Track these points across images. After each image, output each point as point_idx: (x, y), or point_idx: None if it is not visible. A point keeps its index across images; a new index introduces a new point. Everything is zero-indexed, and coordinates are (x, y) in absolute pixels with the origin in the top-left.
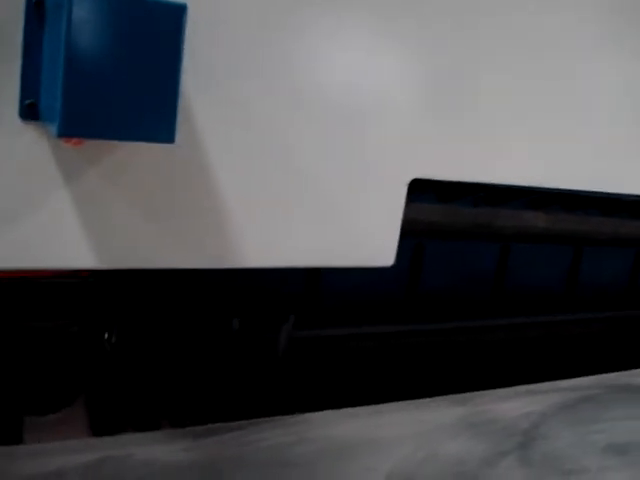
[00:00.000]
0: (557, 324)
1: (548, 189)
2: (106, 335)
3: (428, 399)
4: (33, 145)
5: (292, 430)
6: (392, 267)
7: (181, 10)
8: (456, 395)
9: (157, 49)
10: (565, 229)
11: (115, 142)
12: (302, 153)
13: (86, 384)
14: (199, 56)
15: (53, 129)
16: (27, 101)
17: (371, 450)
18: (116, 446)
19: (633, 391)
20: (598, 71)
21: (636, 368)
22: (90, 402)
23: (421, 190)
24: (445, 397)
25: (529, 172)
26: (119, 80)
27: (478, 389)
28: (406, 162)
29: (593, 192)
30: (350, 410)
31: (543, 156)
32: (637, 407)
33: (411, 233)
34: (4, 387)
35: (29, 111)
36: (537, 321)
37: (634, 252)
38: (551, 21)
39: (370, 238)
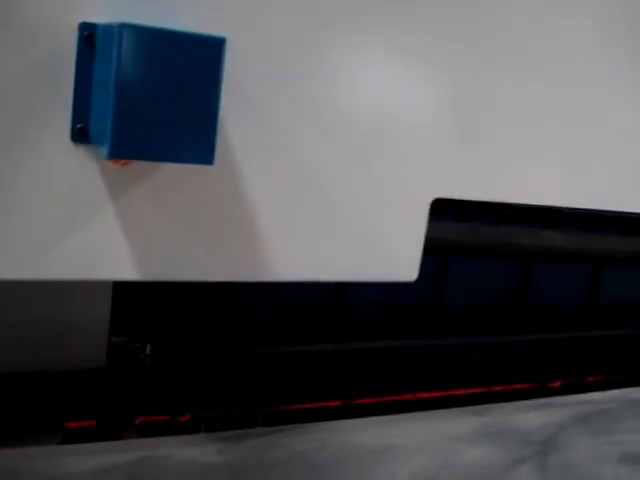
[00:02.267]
0: (576, 340)
1: (566, 208)
2: None
3: (446, 410)
4: (82, 165)
5: (317, 437)
6: (416, 283)
7: (221, 43)
8: (474, 406)
9: (198, 79)
10: (583, 248)
11: (159, 163)
12: (332, 174)
13: None
14: (237, 85)
15: (103, 151)
16: (78, 125)
17: (392, 456)
18: (154, 447)
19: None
20: (613, 92)
21: None
22: None
23: (443, 209)
24: (463, 408)
25: (546, 192)
26: (163, 107)
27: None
28: (428, 182)
29: (610, 211)
30: (372, 419)
31: (562, 176)
32: None
33: (434, 251)
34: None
35: (80, 134)
36: (556, 337)
37: None
38: (564, 43)
39: (394, 254)
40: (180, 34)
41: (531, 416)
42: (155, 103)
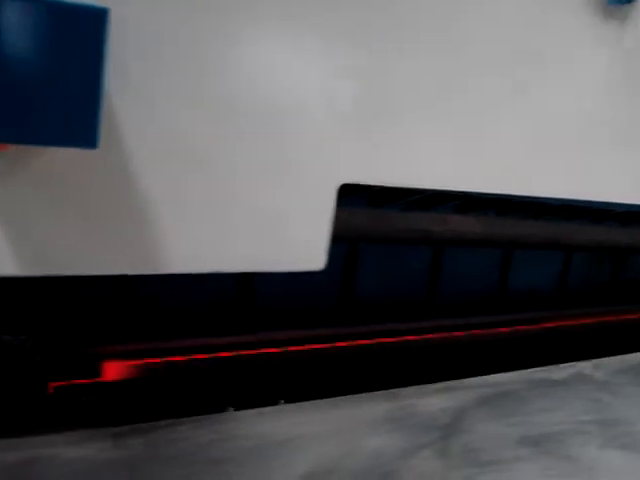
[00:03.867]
0: (488, 325)
1: (478, 194)
2: None
3: (352, 396)
4: None
5: (216, 428)
6: (326, 270)
7: (102, 14)
8: (379, 392)
9: (78, 54)
10: (496, 233)
11: (38, 147)
12: (230, 159)
13: None
14: (124, 64)
15: None
16: None
17: (293, 446)
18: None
19: (550, 385)
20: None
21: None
22: None
23: (353, 194)
24: (368, 394)
25: (457, 177)
26: (41, 85)
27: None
28: (335, 168)
29: (516, 196)
30: (274, 408)
31: (471, 161)
32: (553, 400)
33: (344, 238)
34: None
35: None
36: (468, 322)
37: (563, 256)
38: (461, 24)
39: (300, 243)
40: (55, 3)
41: (435, 400)
42: (31, 81)
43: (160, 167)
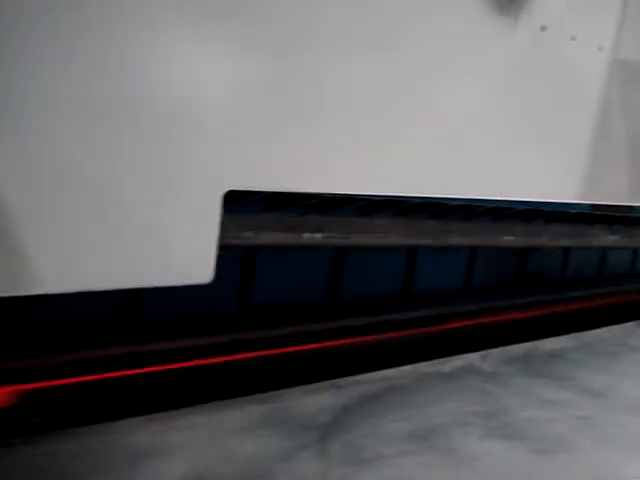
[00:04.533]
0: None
1: (378, 196)
2: None
3: (231, 400)
4: None
5: (81, 442)
6: (223, 280)
7: None
8: (260, 394)
9: None
10: (399, 235)
11: None
12: (104, 170)
13: None
14: None
15: None
16: None
17: (166, 454)
18: None
19: (438, 378)
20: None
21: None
22: None
23: (246, 200)
24: (249, 397)
25: (355, 180)
26: None
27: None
28: (219, 174)
29: (416, 197)
30: (146, 417)
31: (370, 163)
32: (439, 393)
33: (237, 245)
34: None
35: None
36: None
37: (467, 254)
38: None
39: (185, 255)
40: None
41: (317, 399)
42: None
43: (21, 179)
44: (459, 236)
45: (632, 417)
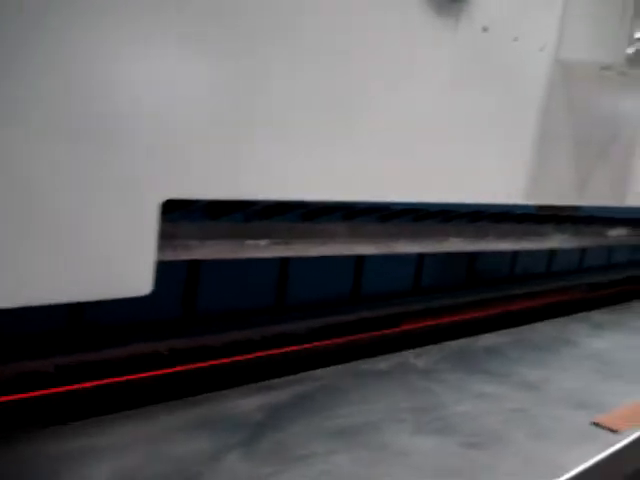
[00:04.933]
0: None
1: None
2: None
3: (164, 404)
4: None
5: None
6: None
7: None
8: (194, 397)
9: None
10: (344, 238)
11: None
12: (31, 177)
13: None
14: None
15: None
16: None
17: (93, 458)
18: None
19: (373, 375)
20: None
21: None
22: None
23: (191, 208)
24: (182, 400)
25: (299, 186)
26: None
27: None
28: (155, 183)
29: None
30: (78, 423)
31: (311, 169)
32: (374, 391)
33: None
34: None
35: None
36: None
37: (415, 258)
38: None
39: (121, 267)
40: None
41: (250, 400)
42: None
43: None
44: (407, 238)
45: (566, 409)
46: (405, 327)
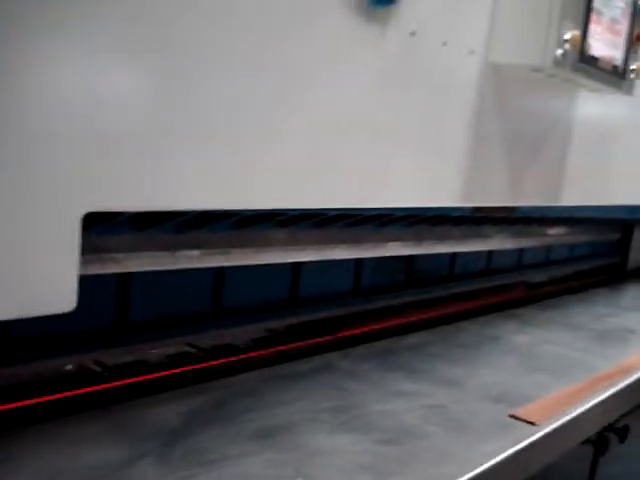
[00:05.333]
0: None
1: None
2: None
3: (82, 413)
4: None
5: None
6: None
7: None
8: (112, 406)
9: None
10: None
11: None
12: None
13: None
14: None
15: None
16: None
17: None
18: None
19: (295, 377)
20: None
21: None
22: None
23: (115, 220)
24: (101, 409)
25: (226, 195)
26: None
27: None
28: (75, 195)
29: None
30: None
31: (239, 177)
32: (295, 392)
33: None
34: None
35: None
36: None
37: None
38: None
39: (40, 283)
40: None
41: (167, 407)
42: None
43: None
44: (345, 244)
45: (484, 403)
46: (340, 333)
